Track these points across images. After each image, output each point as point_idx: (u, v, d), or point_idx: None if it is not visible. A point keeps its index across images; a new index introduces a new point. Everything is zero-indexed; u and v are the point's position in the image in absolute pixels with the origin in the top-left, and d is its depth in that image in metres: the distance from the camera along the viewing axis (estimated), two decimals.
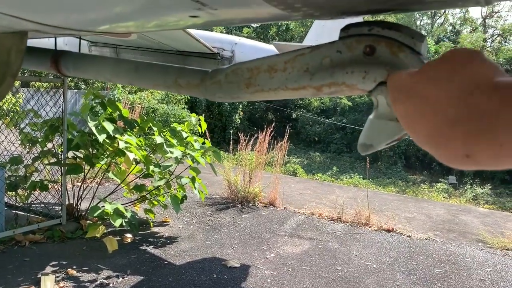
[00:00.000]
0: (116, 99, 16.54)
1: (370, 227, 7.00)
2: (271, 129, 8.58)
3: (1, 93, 1.33)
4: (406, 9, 1.02)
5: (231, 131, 18.16)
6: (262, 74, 1.12)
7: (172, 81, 1.41)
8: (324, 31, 7.69)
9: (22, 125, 6.14)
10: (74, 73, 1.82)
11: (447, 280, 5.06)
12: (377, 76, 0.95)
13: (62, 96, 5.79)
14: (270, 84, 1.11)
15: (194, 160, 5.98)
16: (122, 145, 5.28)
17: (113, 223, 4.97)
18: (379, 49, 0.94)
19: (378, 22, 0.93)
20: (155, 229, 6.21)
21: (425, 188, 18.89)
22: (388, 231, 6.84)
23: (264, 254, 5.53)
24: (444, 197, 17.66)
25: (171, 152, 5.74)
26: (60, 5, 0.93)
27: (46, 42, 4.58)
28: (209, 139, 6.97)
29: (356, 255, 5.69)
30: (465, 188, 20.31)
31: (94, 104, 5.96)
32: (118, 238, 5.45)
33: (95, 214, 4.88)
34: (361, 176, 18.71)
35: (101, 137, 5.12)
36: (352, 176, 18.91)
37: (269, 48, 7.26)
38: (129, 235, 5.73)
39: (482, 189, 18.65)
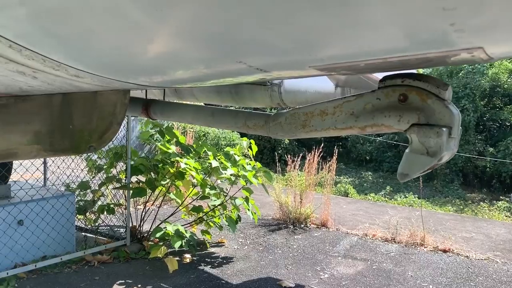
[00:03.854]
0: (170, 124, 17.31)
1: (426, 247, 6.89)
2: (320, 149, 8.69)
3: (108, 137, 1.64)
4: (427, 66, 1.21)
5: (280, 152, 18.36)
6: (315, 117, 1.35)
7: (242, 123, 1.69)
8: None
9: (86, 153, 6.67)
10: (161, 117, 2.16)
11: None
12: (410, 119, 1.13)
13: (125, 126, 6.27)
14: (322, 125, 1.33)
15: (247, 181, 6.24)
16: (182, 165, 5.63)
17: (173, 244, 5.28)
18: (410, 97, 1.12)
19: (409, 74, 1.13)
20: (212, 250, 6.47)
21: (484, 207, 18.06)
22: (445, 251, 6.71)
23: (318, 274, 5.62)
24: (506, 216, 16.80)
25: (225, 173, 6.04)
26: (155, 73, 1.21)
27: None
28: (259, 161, 7.20)
29: (411, 276, 5.65)
30: None
31: (153, 132, 6.40)
32: (177, 258, 5.74)
33: (158, 235, 5.21)
34: (416, 196, 18.18)
35: (171, 150, 5.50)
36: (407, 195, 18.40)
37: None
38: (187, 256, 6.02)
39: None
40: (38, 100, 1.50)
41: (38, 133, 1.59)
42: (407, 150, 1.16)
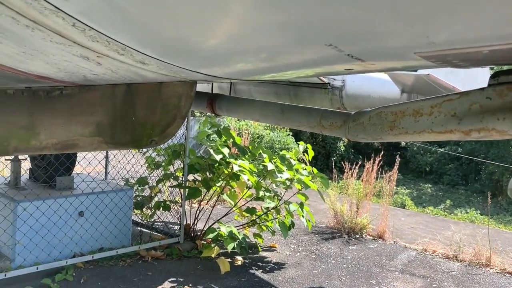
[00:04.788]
0: (225, 125, 17.48)
1: (492, 268, 6.39)
2: (379, 157, 8.35)
3: (171, 132, 1.57)
4: None
5: (335, 159, 17.98)
6: (407, 118, 1.17)
7: (316, 122, 1.53)
8: None
9: (146, 150, 6.81)
10: (226, 113, 2.08)
11: None
12: None
13: (184, 125, 6.32)
14: (414, 127, 1.15)
15: (303, 185, 6.09)
16: (236, 168, 5.59)
17: (226, 246, 5.23)
18: None
19: None
20: (263, 254, 6.37)
21: None
22: None
23: None
24: None
25: (281, 176, 5.92)
26: (226, 61, 1.10)
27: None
28: (313, 166, 7.02)
29: None
30: None
31: (211, 132, 6.41)
32: (229, 259, 5.69)
33: (211, 236, 5.18)
34: (479, 212, 17.14)
35: (218, 157, 5.48)
36: (468, 211, 17.41)
37: (382, 77, 7.17)
38: (239, 258, 5.96)
39: None
40: (101, 91, 1.47)
41: (100, 125, 1.55)
42: None
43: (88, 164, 6.08)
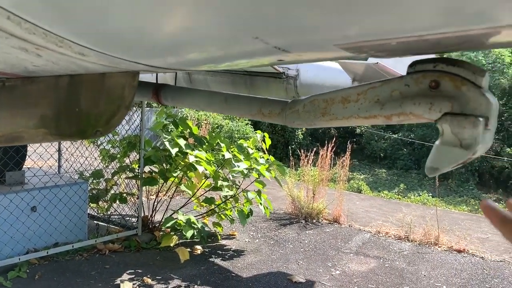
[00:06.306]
0: (184, 115, 17.35)
1: (440, 247, 6.77)
2: (333, 144, 8.59)
3: (116, 122, 1.59)
4: (464, 49, 1.12)
5: (293, 147, 18.26)
6: (336, 105, 1.28)
7: (256, 110, 1.62)
8: None
9: (100, 142, 6.70)
10: (172, 103, 2.10)
11: None
12: (442, 108, 1.06)
13: (139, 116, 6.25)
14: (343, 113, 1.26)
15: (260, 174, 6.18)
16: (192, 159, 5.59)
17: (184, 233, 5.26)
18: (443, 83, 1.05)
19: (442, 59, 1.05)
20: (223, 242, 6.44)
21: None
22: (459, 251, 6.58)
23: (329, 270, 5.55)
24: None
25: (238, 166, 5.99)
26: (168, 52, 1.14)
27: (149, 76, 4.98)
28: (272, 155, 7.14)
29: (424, 275, 5.55)
30: None
31: (167, 122, 6.36)
32: (188, 249, 5.72)
33: (169, 224, 5.20)
34: (430, 194, 17.95)
35: (174, 151, 5.46)
36: (421, 194, 18.19)
37: (334, 66, 7.33)
38: (198, 247, 6.00)
39: None
40: (45, 82, 1.46)
41: (44, 117, 1.55)
42: (437, 143, 1.08)
43: (40, 158, 5.90)
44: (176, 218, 5.35)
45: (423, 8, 0.65)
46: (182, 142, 5.57)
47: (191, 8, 0.76)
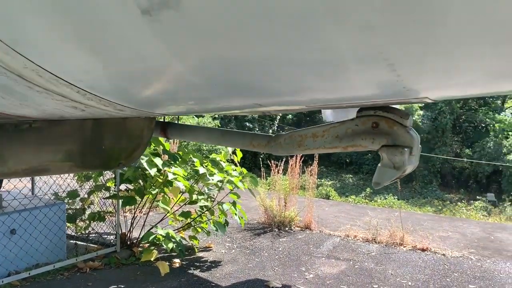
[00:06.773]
0: None
1: (405, 247, 7.23)
2: (300, 154, 8.95)
3: (137, 155, 1.89)
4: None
5: (262, 157, 18.62)
6: (308, 139, 1.66)
7: (248, 142, 2.04)
8: None
9: None
10: (177, 137, 2.57)
11: None
12: (381, 141, 1.44)
13: None
14: (313, 144, 1.66)
15: (234, 186, 6.47)
16: (171, 176, 5.82)
17: (165, 246, 5.47)
18: (381, 124, 1.45)
19: (380, 107, 1.43)
20: (200, 254, 6.67)
21: (462, 207, 18.63)
22: (423, 250, 7.05)
23: (303, 275, 5.88)
24: (483, 215, 17.35)
25: (213, 179, 6.25)
26: (175, 106, 1.49)
27: None
28: (241, 165, 7.42)
29: (391, 274, 5.96)
30: (505, 205, 19.84)
31: None
32: (167, 263, 5.91)
33: (149, 239, 5.39)
34: (396, 197, 18.61)
35: (153, 171, 5.66)
36: (387, 197, 18.83)
37: None
38: (177, 260, 6.20)
39: None
40: (70, 124, 1.70)
41: (70, 152, 1.79)
42: (379, 165, 1.47)
43: (8, 181, 5.98)
44: (155, 233, 5.55)
45: (360, 91, 1.03)
46: (159, 161, 5.78)
47: (202, 89, 1.09)
